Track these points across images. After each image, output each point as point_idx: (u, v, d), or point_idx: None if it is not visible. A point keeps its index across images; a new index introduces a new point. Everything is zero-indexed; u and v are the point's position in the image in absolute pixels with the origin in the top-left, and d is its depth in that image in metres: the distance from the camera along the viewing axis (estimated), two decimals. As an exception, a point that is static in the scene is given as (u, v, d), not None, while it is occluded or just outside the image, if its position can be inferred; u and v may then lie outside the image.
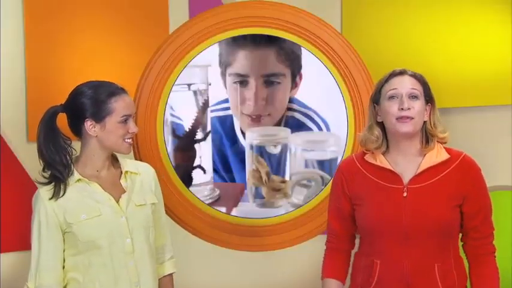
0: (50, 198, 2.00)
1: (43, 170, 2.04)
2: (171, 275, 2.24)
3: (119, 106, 2.02)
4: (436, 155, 1.97)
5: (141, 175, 2.14)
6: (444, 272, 1.95)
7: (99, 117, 2.02)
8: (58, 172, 2.02)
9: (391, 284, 1.97)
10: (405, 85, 1.95)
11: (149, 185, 2.15)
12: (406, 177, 1.97)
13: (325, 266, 2.13)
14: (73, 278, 2.03)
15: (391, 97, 1.96)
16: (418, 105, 1.94)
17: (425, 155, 1.98)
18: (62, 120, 2.10)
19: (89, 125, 2.02)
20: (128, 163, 2.15)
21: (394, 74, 1.99)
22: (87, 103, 2.02)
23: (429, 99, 1.99)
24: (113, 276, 2.02)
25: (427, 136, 1.99)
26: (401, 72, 1.98)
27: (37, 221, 2.01)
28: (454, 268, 1.98)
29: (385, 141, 2.01)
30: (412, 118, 1.93)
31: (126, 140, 2.05)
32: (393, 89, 1.96)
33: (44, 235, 2.00)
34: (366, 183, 2.02)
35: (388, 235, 1.97)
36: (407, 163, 1.99)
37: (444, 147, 2.01)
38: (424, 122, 1.98)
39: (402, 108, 1.92)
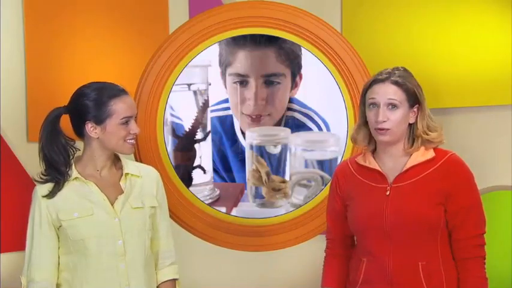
0: (44, 196, 2.02)
1: (44, 171, 2.05)
2: (172, 281, 2.20)
3: (119, 108, 2.03)
4: (422, 154, 1.98)
5: (142, 178, 2.14)
6: (430, 272, 1.94)
7: (99, 119, 2.03)
8: (58, 173, 2.04)
9: (375, 282, 1.99)
10: (384, 94, 1.95)
11: (150, 189, 2.15)
12: (392, 176, 2.00)
13: (324, 274, 2.15)
14: (64, 278, 2.05)
15: (371, 104, 1.97)
16: (396, 115, 1.94)
17: (411, 154, 1.99)
18: (66, 120, 2.11)
19: (89, 127, 2.04)
20: (130, 165, 2.15)
21: (376, 81, 1.98)
22: (87, 105, 2.04)
23: (415, 102, 1.97)
24: (102, 278, 2.02)
25: (413, 137, 1.99)
26: (383, 79, 1.96)
27: (31, 218, 2.05)
28: (443, 269, 1.96)
29: (373, 141, 2.04)
30: (388, 129, 1.94)
31: (127, 141, 2.06)
32: (372, 97, 1.97)
33: (37, 232, 2.03)
34: (355, 183, 2.06)
35: (371, 233, 2.00)
36: (394, 162, 2.01)
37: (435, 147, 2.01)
38: (411, 124, 1.98)
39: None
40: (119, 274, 2.03)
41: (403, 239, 1.95)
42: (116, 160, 2.14)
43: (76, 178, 2.05)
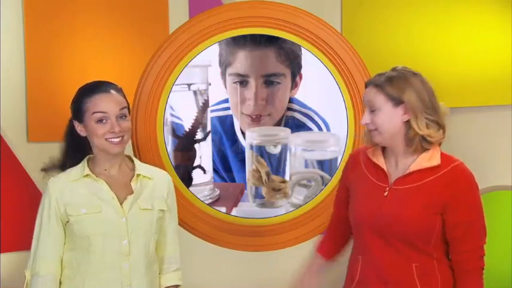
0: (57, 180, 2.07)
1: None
2: (175, 287, 2.19)
3: (92, 104, 2.02)
4: (428, 159, 1.94)
5: (154, 180, 2.13)
6: (424, 273, 1.93)
7: (79, 118, 2.05)
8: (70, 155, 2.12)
9: (371, 281, 1.99)
10: (367, 98, 1.97)
11: (161, 192, 2.14)
12: (394, 177, 1.99)
13: (322, 240, 2.23)
14: (66, 275, 2.04)
15: (365, 108, 2.01)
16: (378, 117, 1.94)
17: (418, 156, 1.95)
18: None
19: (76, 125, 2.07)
20: (143, 167, 2.15)
21: (365, 85, 2.01)
22: (72, 104, 2.08)
23: (401, 102, 1.93)
24: (104, 277, 2.01)
25: (409, 136, 1.96)
26: (368, 83, 1.98)
27: (40, 211, 2.06)
28: (438, 271, 1.94)
29: None
30: (375, 129, 1.95)
31: (109, 140, 2.02)
32: (363, 101, 2.03)
33: (45, 225, 2.04)
34: (360, 175, 2.06)
35: (367, 230, 2.00)
36: (399, 163, 1.99)
37: (443, 153, 1.97)
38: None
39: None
40: (122, 274, 2.02)
41: (396, 241, 1.95)
42: (128, 161, 2.14)
43: (87, 175, 2.05)
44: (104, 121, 2.01)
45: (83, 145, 2.10)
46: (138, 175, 2.11)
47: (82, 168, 2.08)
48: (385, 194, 1.97)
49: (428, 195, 1.92)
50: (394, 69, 1.99)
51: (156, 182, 2.13)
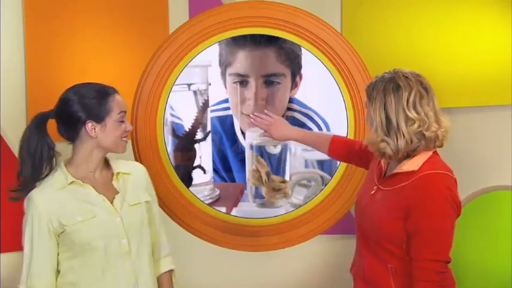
0: (43, 199, 1.99)
1: (19, 173, 2.04)
2: (169, 272, 2.22)
3: (115, 104, 2.04)
4: (411, 163, 1.91)
5: (132, 175, 2.14)
6: (399, 274, 1.92)
7: (99, 117, 2.02)
8: (34, 170, 2.02)
9: (358, 277, 2.05)
10: None
11: (141, 184, 2.16)
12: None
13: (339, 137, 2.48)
14: (69, 282, 2.01)
15: None
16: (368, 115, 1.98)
17: (405, 159, 1.94)
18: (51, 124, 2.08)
19: (90, 126, 2.02)
20: (119, 164, 2.15)
21: None
22: (88, 105, 2.02)
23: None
24: (110, 278, 2.01)
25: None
26: None
27: (29, 226, 1.99)
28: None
29: None
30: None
31: (122, 139, 2.07)
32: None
33: (36, 240, 1.98)
34: (372, 167, 2.10)
35: (357, 228, 2.06)
36: (392, 164, 1.99)
37: (434, 159, 1.92)
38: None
39: None
40: (126, 272, 2.03)
41: (372, 242, 1.97)
42: (104, 161, 2.12)
43: (72, 182, 2.01)
44: (122, 121, 2.06)
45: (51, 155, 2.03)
46: (118, 173, 2.11)
47: (63, 175, 2.02)
48: (372, 192, 2.00)
49: (397, 200, 1.91)
50: (386, 73, 1.96)
51: (135, 176, 2.15)
